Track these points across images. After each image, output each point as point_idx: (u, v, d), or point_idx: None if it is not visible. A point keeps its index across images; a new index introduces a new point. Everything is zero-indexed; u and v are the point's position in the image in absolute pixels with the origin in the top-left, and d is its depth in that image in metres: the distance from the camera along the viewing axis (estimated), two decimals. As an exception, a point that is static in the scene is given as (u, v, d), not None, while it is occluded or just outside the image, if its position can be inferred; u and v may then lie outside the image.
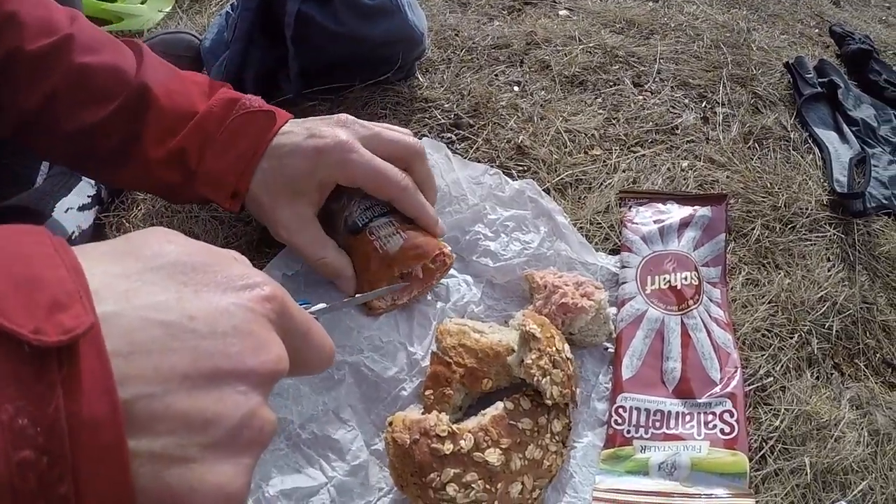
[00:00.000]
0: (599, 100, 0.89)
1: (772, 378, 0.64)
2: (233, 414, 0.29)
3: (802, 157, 0.87)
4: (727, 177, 0.80)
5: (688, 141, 0.84)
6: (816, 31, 1.20)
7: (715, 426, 0.58)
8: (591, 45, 0.98)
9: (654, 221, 0.70)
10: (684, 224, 0.70)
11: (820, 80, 1.01)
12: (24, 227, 0.29)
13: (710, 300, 0.65)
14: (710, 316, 0.64)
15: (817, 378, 0.66)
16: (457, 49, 0.97)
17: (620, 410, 0.59)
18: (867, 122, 0.98)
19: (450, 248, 0.62)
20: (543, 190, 0.73)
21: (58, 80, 0.59)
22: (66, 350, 0.25)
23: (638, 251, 0.68)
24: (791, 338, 0.68)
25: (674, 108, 0.89)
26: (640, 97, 0.90)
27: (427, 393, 0.56)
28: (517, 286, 0.65)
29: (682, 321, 0.63)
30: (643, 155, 0.81)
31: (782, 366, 0.65)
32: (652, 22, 1.06)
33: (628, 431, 0.58)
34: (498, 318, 0.64)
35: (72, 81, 0.59)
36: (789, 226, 0.77)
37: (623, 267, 0.67)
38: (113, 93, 0.60)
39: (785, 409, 0.63)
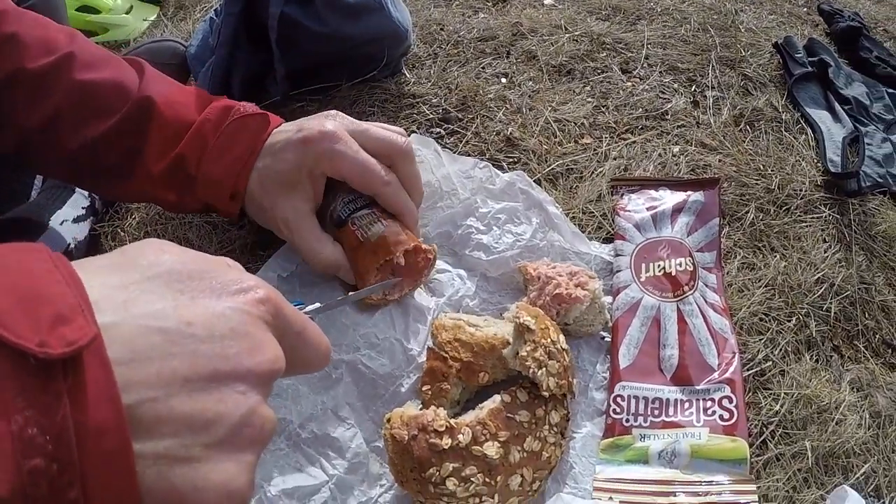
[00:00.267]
0: (588, 88, 0.90)
1: (770, 362, 0.65)
2: (233, 413, 0.30)
3: (795, 137, 0.88)
4: (719, 161, 0.80)
5: (678, 126, 0.85)
6: (805, 9, 1.20)
7: (714, 412, 0.58)
8: (577, 33, 0.98)
9: (647, 208, 0.71)
10: (677, 210, 0.71)
11: (810, 59, 1.01)
12: (24, 244, 0.30)
13: (706, 285, 0.66)
14: (706, 301, 0.64)
15: (817, 361, 0.66)
16: (442, 43, 0.98)
17: (619, 399, 0.59)
18: (859, 101, 0.99)
19: (434, 246, 0.63)
20: (534, 181, 0.73)
21: (60, 98, 0.61)
22: (71, 361, 0.26)
23: (631, 239, 0.68)
24: (789, 321, 0.68)
25: (663, 93, 0.90)
26: (629, 84, 0.91)
27: (424, 388, 0.56)
28: (511, 279, 0.66)
29: (678, 308, 0.64)
30: (634, 142, 0.82)
31: (781, 349, 0.66)
32: (638, 7, 1.06)
33: (627, 420, 0.58)
34: (493, 312, 0.64)
35: (74, 98, 0.61)
36: (784, 208, 0.78)
37: (617, 255, 0.68)
38: (115, 107, 0.62)
39: (785, 393, 0.63)
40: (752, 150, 0.83)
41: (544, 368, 0.52)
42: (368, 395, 0.59)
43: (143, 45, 1.07)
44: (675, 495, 0.54)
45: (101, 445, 0.27)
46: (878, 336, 0.72)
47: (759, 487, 0.56)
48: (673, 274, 0.66)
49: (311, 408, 0.58)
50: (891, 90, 1.04)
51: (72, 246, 0.79)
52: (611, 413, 0.59)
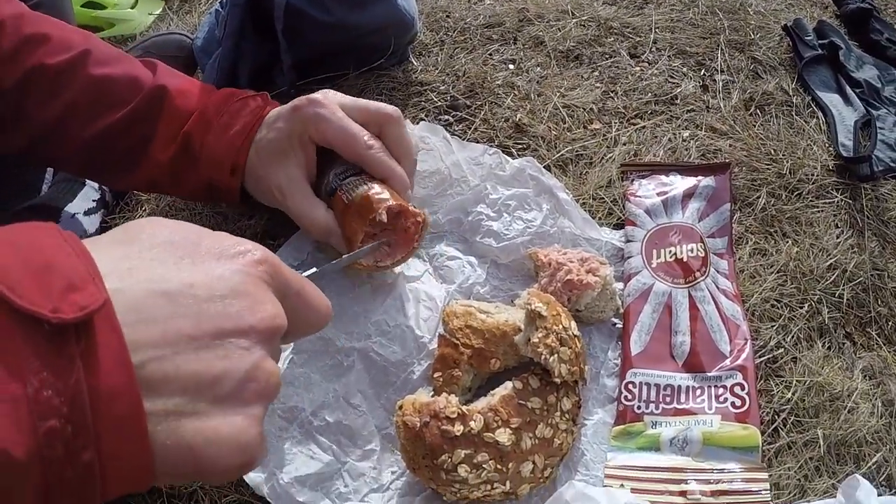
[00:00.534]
0: (596, 73, 0.89)
1: (783, 349, 0.64)
2: (238, 368, 0.32)
3: (806, 121, 0.87)
4: (730, 145, 0.79)
5: (688, 110, 0.84)
6: (815, -9, 1.18)
7: (726, 400, 0.58)
8: (584, 18, 0.97)
9: (658, 194, 0.70)
10: (688, 195, 0.70)
11: (820, 41, 0.99)
12: (35, 223, 0.31)
13: (718, 271, 0.65)
14: (717, 288, 0.64)
15: (829, 348, 0.66)
16: (449, 30, 0.97)
17: (630, 386, 0.59)
18: (870, 84, 0.97)
19: (426, 213, 0.62)
20: (544, 167, 0.73)
21: (76, 92, 0.65)
22: (83, 326, 0.28)
23: (642, 224, 0.68)
24: (801, 307, 0.67)
25: (672, 77, 0.88)
26: (638, 68, 0.90)
27: (436, 375, 0.56)
28: (522, 265, 0.65)
29: (689, 294, 0.63)
30: (643, 127, 0.81)
31: (793, 336, 0.65)
32: (646, -9, 1.04)
33: (639, 407, 0.58)
34: (504, 298, 0.64)
35: (90, 92, 0.65)
36: (795, 193, 0.77)
37: (628, 241, 0.67)
38: (128, 98, 0.65)
39: (797, 380, 0.62)
40: (762, 135, 0.82)
41: (556, 355, 0.52)
42: (380, 382, 0.59)
43: (150, 38, 1.08)
44: (686, 483, 0.54)
45: (113, 408, 0.28)
46: (890, 323, 0.71)
47: (770, 476, 0.56)
48: (684, 260, 0.65)
49: (323, 395, 0.58)
50: (902, 73, 1.03)
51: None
52: (622, 400, 0.59)
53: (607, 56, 0.91)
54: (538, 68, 0.89)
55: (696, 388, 0.59)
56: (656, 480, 0.55)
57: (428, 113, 0.83)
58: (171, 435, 0.30)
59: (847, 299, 0.69)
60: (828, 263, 0.71)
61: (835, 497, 0.51)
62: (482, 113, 0.82)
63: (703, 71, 0.90)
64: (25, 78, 0.64)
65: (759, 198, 0.75)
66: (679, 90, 0.86)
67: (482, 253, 0.66)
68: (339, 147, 0.62)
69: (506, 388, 0.53)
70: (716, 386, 0.59)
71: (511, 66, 0.89)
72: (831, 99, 0.92)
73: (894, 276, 0.74)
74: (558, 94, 0.84)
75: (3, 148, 0.68)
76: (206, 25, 1.01)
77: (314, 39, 0.86)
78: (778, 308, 0.67)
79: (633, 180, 0.73)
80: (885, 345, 0.69)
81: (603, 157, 0.76)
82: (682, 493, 0.54)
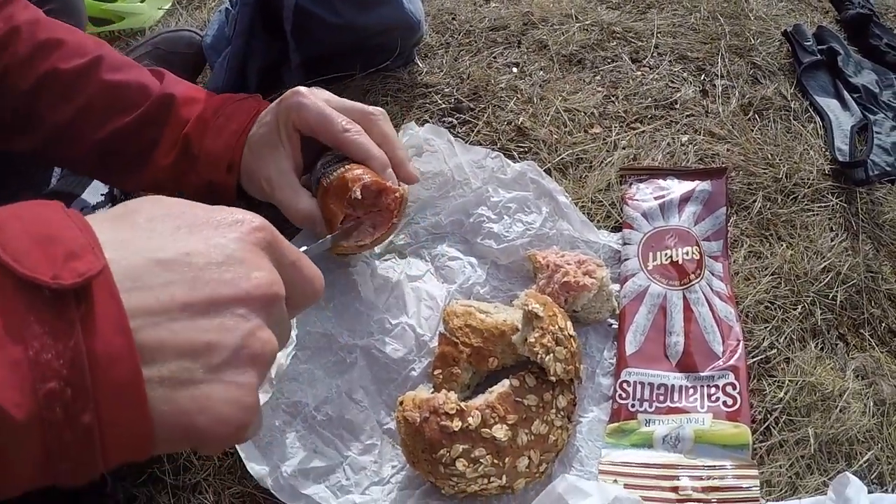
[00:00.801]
0: (598, 77, 0.89)
1: (775, 350, 0.65)
2: (234, 335, 0.32)
3: (804, 126, 0.87)
4: (727, 150, 0.80)
5: (687, 115, 0.84)
6: (816, -4, 1.18)
7: (718, 399, 0.59)
8: (587, 22, 0.98)
9: (655, 197, 0.71)
10: (685, 199, 0.71)
11: (819, 47, 1.00)
12: (39, 200, 0.32)
13: (712, 274, 0.66)
14: (711, 290, 0.65)
15: (822, 349, 0.67)
16: (455, 33, 0.98)
17: (625, 385, 0.60)
18: (868, 89, 0.98)
19: (404, 188, 0.63)
20: (545, 170, 0.74)
21: (89, 96, 0.67)
22: (83, 292, 0.28)
23: (639, 227, 0.69)
24: (794, 309, 0.68)
25: (672, 82, 0.89)
26: (639, 73, 0.90)
27: (436, 373, 0.58)
28: (521, 266, 0.67)
29: (684, 296, 0.64)
30: (643, 131, 0.82)
31: (786, 337, 0.66)
32: (649, -5, 1.05)
33: (633, 406, 0.59)
34: (503, 299, 0.65)
35: (102, 96, 0.67)
36: (791, 197, 0.78)
37: (625, 244, 0.68)
38: (138, 103, 0.68)
39: (789, 380, 0.63)
40: (760, 139, 0.83)
41: (552, 354, 0.53)
42: (382, 378, 0.61)
43: (160, 34, 1.09)
44: (678, 479, 0.55)
45: (112, 372, 0.28)
46: (883, 324, 0.72)
47: (762, 473, 0.57)
48: (680, 262, 0.66)
49: (327, 391, 0.59)
50: (901, 78, 1.03)
51: None
52: (617, 398, 0.60)
53: (609, 60, 0.92)
54: (541, 72, 0.90)
55: (689, 388, 0.60)
56: (649, 476, 0.56)
57: (432, 115, 0.84)
58: (167, 402, 0.30)
59: (840, 301, 0.70)
60: (822, 266, 0.72)
61: (826, 494, 0.52)
62: (485, 116, 0.83)
63: (703, 76, 0.91)
64: (40, 82, 0.66)
65: (755, 201, 0.75)
66: (679, 95, 0.87)
67: (483, 254, 0.68)
68: (319, 132, 0.64)
69: (503, 385, 0.54)
70: (708, 385, 0.60)
71: (514, 70, 0.90)
72: (829, 104, 0.92)
73: (888, 278, 0.75)
74: (560, 97, 0.85)
75: (19, 147, 0.70)
76: (216, 23, 1.02)
77: (322, 39, 0.88)
78: (771, 310, 0.68)
79: (631, 184, 0.74)
80: (878, 345, 0.69)
81: (603, 161, 0.77)
82: (674, 489, 0.55)
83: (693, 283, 0.65)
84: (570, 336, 0.56)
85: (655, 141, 0.80)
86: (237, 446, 0.56)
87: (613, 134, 0.81)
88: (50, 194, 0.88)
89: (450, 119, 0.83)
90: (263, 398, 0.57)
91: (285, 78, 0.93)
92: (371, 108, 0.67)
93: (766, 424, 0.61)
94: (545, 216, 0.67)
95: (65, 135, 0.69)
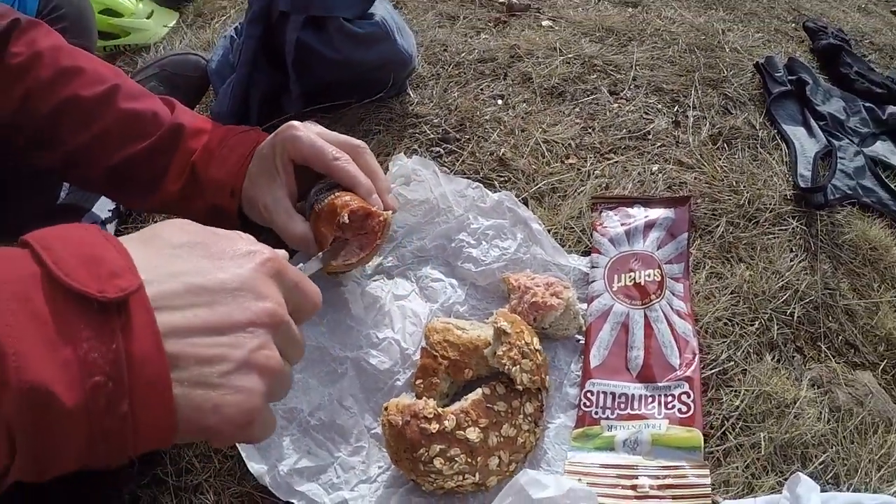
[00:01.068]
0: (577, 109, 0.99)
1: (733, 362, 0.73)
2: (242, 350, 0.40)
3: (770, 154, 0.96)
4: (695, 178, 0.89)
5: (659, 145, 0.94)
6: (792, 25, 1.28)
7: (673, 406, 0.67)
8: (570, 55, 1.07)
9: (622, 224, 0.80)
10: (649, 226, 0.80)
11: (790, 77, 1.09)
12: (82, 224, 0.41)
13: (673, 294, 0.75)
14: (671, 308, 0.74)
15: (778, 361, 0.74)
16: (445, 64, 1.07)
17: (589, 395, 0.69)
18: (835, 116, 1.07)
19: (388, 213, 0.71)
20: (522, 200, 0.83)
21: (107, 122, 0.74)
22: (122, 304, 0.36)
23: (606, 252, 0.78)
24: (752, 325, 0.76)
25: (647, 114, 0.99)
26: (616, 105, 1.00)
27: (417, 382, 0.66)
28: (497, 288, 0.76)
29: (645, 314, 0.73)
30: (616, 161, 0.91)
31: (743, 351, 0.74)
32: (630, 28, 1.15)
33: (596, 413, 0.68)
34: (480, 317, 0.74)
35: (118, 123, 0.74)
36: (753, 221, 0.86)
37: (593, 267, 0.77)
38: (150, 132, 0.75)
39: (745, 389, 0.71)
40: (726, 167, 0.92)
41: (518, 366, 0.62)
42: (369, 388, 0.69)
43: (167, 56, 1.18)
44: (637, 478, 0.63)
45: (145, 371, 0.36)
46: (840, 337, 0.79)
47: (720, 474, 0.64)
48: (642, 284, 0.75)
49: (319, 398, 0.68)
50: (868, 104, 1.12)
51: None
52: (582, 406, 0.68)
53: (589, 93, 1.01)
54: (524, 104, 0.99)
55: (648, 397, 0.69)
56: (611, 476, 0.64)
57: (421, 144, 0.94)
58: (186, 400, 0.38)
59: (798, 316, 0.78)
60: (779, 285, 0.80)
61: (780, 493, 0.58)
62: (470, 146, 0.92)
63: (676, 107, 1.00)
64: (61, 106, 0.73)
65: (718, 226, 0.84)
66: (652, 126, 0.96)
67: (463, 276, 0.77)
68: (312, 161, 0.72)
69: (476, 393, 0.63)
70: (665, 395, 0.68)
71: (499, 102, 1.00)
72: (795, 132, 1.01)
73: (846, 294, 0.83)
74: (540, 129, 0.94)
75: (40, 164, 0.78)
76: (221, 49, 1.12)
77: (321, 73, 0.98)
78: (730, 326, 0.76)
79: (601, 212, 0.83)
80: (834, 357, 0.77)
81: (576, 191, 0.86)
82: (633, 488, 0.63)
83: (654, 302, 0.74)
84: (536, 350, 0.65)
85: (627, 170, 0.89)
86: (239, 446, 0.64)
87: (588, 164, 0.90)
88: (61, 207, 0.97)
89: (437, 149, 0.93)
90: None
91: (285, 106, 1.03)
92: (357, 142, 0.75)
93: (723, 430, 0.68)
94: (520, 242, 0.77)
95: (81, 157, 0.75)
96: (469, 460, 0.60)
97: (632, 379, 0.70)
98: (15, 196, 0.89)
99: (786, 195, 0.91)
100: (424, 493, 0.63)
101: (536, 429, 0.65)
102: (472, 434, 0.60)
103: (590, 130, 0.95)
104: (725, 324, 0.76)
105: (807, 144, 1.00)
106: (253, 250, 0.44)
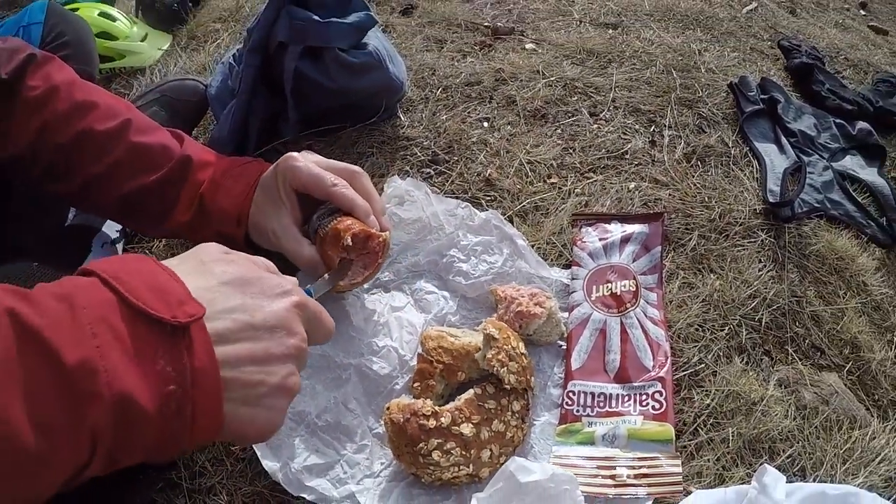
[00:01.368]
0: (559, 131, 1.11)
1: (704, 365, 0.83)
2: (277, 377, 0.53)
3: (741, 170, 1.09)
4: (669, 195, 1.01)
5: (636, 164, 1.06)
6: (769, 43, 1.41)
7: (647, 404, 0.79)
8: (552, 78, 1.20)
9: (600, 239, 0.93)
10: (625, 240, 0.92)
11: (762, 96, 1.22)
12: (138, 255, 0.53)
13: (647, 302, 0.87)
14: (646, 315, 0.85)
15: (747, 363, 0.84)
16: (433, 87, 1.20)
17: (571, 395, 0.80)
18: (805, 133, 1.20)
19: (386, 234, 0.81)
20: (507, 217, 0.95)
21: (120, 154, 0.83)
22: (189, 328, 0.47)
23: (585, 265, 0.90)
24: (721, 330, 0.87)
25: (625, 134, 1.11)
26: (595, 126, 1.12)
27: (415, 385, 0.78)
28: (486, 299, 0.88)
29: (621, 321, 0.85)
30: (595, 180, 1.03)
31: (713, 354, 0.84)
32: (610, 50, 1.28)
33: (577, 411, 0.79)
34: (471, 325, 0.86)
35: (131, 155, 0.83)
36: (723, 234, 0.98)
37: (573, 279, 0.89)
38: (161, 164, 0.84)
39: (716, 389, 0.81)
40: (699, 184, 1.04)
41: (506, 367, 0.74)
42: (371, 391, 0.81)
43: (168, 82, 1.28)
44: (615, 468, 0.74)
45: (204, 383, 0.47)
46: (807, 341, 0.89)
47: (692, 466, 0.74)
48: (618, 294, 0.87)
49: (326, 402, 0.79)
50: (838, 120, 1.25)
51: None
52: (564, 405, 0.80)
53: (570, 114, 1.14)
54: (509, 126, 1.12)
55: (624, 395, 0.80)
56: (592, 467, 0.74)
57: (412, 166, 1.06)
58: (232, 413, 0.50)
59: (766, 322, 0.88)
60: (748, 293, 0.91)
61: (749, 483, 0.65)
62: (458, 167, 1.04)
63: (653, 127, 1.13)
64: (77, 138, 0.81)
65: (690, 239, 0.96)
66: (629, 146, 1.08)
67: (454, 289, 0.89)
68: (312, 188, 0.81)
69: (469, 393, 0.75)
70: (640, 393, 0.80)
71: (485, 124, 1.12)
72: (766, 149, 1.14)
73: (812, 301, 0.93)
74: (524, 150, 1.06)
75: (57, 192, 0.86)
76: (220, 75, 1.22)
77: (318, 101, 1.09)
78: (701, 331, 0.86)
79: (581, 227, 0.95)
80: (801, 359, 0.87)
81: (558, 208, 0.98)
82: (612, 477, 0.73)
83: (629, 310, 0.86)
84: (522, 353, 0.76)
85: (605, 189, 1.01)
86: (255, 447, 0.75)
87: (569, 183, 1.02)
88: (71, 228, 1.06)
89: (427, 170, 1.04)
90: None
91: (283, 130, 1.14)
92: (354, 167, 0.85)
93: (695, 426, 0.78)
94: (506, 257, 0.89)
95: (94, 187, 0.83)
96: (464, 453, 0.71)
97: (609, 380, 0.81)
98: (27, 217, 0.99)
99: (755, 209, 1.03)
100: (424, 486, 0.74)
101: (523, 424, 0.76)
102: (466, 429, 0.72)
103: (570, 151, 1.07)
104: (697, 329, 0.87)
105: (777, 161, 1.12)
106: (286, 291, 0.56)
